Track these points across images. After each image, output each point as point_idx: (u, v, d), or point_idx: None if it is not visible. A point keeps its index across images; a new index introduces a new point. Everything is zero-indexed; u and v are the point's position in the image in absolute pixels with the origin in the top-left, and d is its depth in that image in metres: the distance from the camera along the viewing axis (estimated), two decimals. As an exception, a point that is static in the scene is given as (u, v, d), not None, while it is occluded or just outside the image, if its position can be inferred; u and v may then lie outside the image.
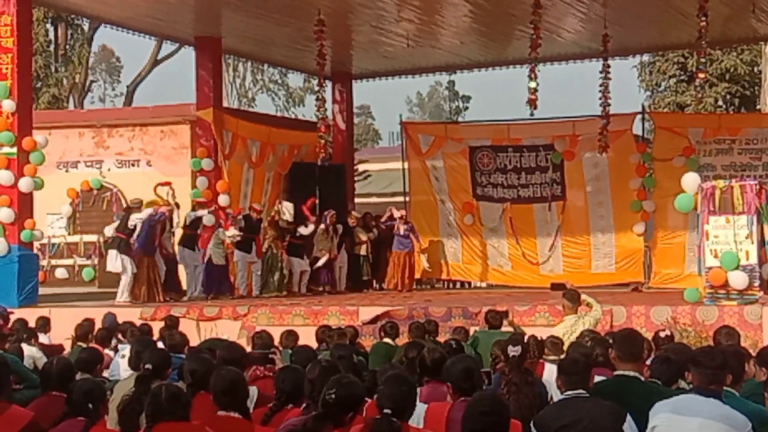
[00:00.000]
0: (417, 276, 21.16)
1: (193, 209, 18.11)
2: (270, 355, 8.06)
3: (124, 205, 17.90)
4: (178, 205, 17.86)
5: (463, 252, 21.80)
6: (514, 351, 6.98)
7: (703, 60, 18.05)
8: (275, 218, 18.72)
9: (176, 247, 17.83)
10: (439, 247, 21.85)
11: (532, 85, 16.80)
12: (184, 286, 17.98)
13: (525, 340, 8.32)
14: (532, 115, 17.31)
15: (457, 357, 6.36)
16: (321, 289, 19.26)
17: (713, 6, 16.45)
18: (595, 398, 5.68)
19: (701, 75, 17.74)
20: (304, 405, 5.89)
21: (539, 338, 8.76)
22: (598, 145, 18.97)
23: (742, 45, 29.41)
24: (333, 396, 5.15)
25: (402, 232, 20.13)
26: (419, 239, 20.63)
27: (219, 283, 17.83)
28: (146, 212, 16.57)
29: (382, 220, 20.71)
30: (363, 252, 20.54)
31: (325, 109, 19.01)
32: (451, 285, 22.81)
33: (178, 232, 18.02)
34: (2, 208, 15.89)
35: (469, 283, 22.64)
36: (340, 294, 19.15)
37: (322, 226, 19.22)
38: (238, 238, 17.81)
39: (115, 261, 16.52)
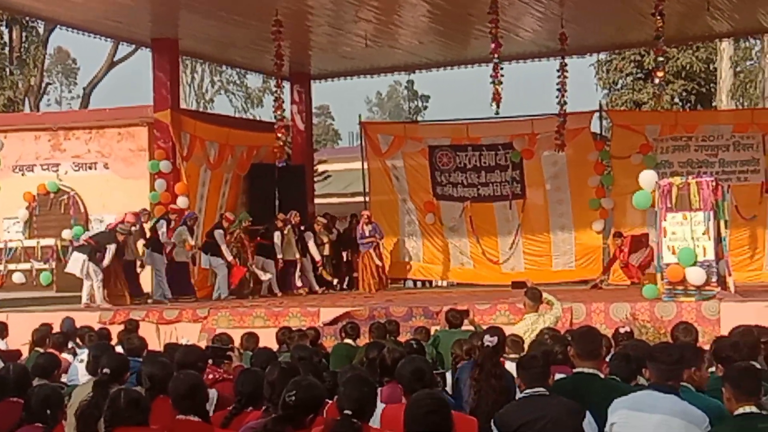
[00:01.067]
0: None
1: (165, 217, 17.98)
2: (228, 352, 8.04)
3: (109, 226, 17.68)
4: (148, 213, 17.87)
5: (425, 251, 21.83)
6: (490, 341, 6.95)
7: (661, 59, 18.01)
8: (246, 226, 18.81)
9: (142, 250, 17.80)
10: (399, 246, 21.88)
11: (498, 86, 16.74)
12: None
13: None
14: (497, 113, 17.30)
15: (408, 358, 6.32)
16: (297, 291, 19.24)
17: (669, 4, 16.56)
18: (555, 396, 5.71)
19: (659, 74, 17.77)
20: (264, 407, 5.87)
21: (500, 337, 8.76)
22: (554, 144, 19.10)
23: (698, 43, 29.68)
24: (293, 398, 5.13)
25: (368, 233, 20.10)
26: (383, 236, 20.57)
27: (179, 284, 17.77)
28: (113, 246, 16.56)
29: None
30: (326, 253, 20.52)
31: (283, 110, 18.90)
32: (413, 284, 22.86)
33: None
34: (-43, 212, 15.72)
35: (431, 282, 22.67)
36: (311, 294, 19.20)
37: (289, 227, 19.17)
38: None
39: (81, 266, 16.41)
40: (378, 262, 20.06)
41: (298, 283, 19.54)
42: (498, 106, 16.77)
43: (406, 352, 7.44)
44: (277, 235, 18.95)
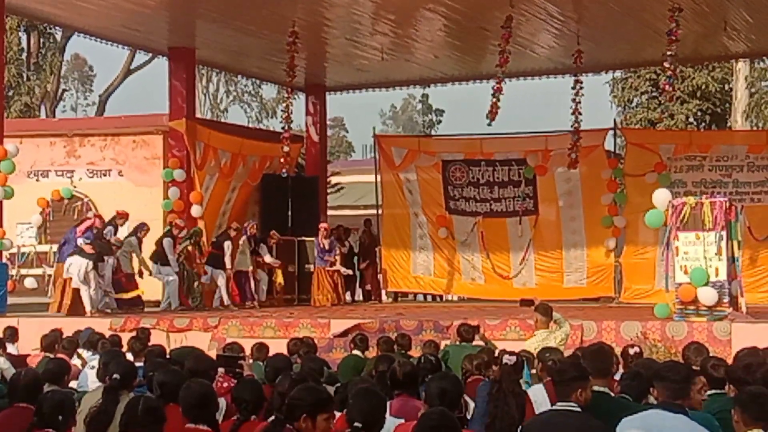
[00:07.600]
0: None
1: (170, 229, 17.95)
2: (239, 360, 8.05)
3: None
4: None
5: (436, 265, 21.79)
6: (508, 359, 6.97)
7: (675, 75, 17.73)
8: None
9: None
10: (410, 259, 21.85)
11: (495, 98, 16.84)
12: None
13: (496, 354, 8.34)
14: (489, 125, 17.34)
15: (438, 374, 6.35)
16: (250, 304, 18.45)
17: (686, 24, 16.56)
18: (585, 414, 5.52)
19: (668, 88, 17.50)
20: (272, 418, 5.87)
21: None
22: (567, 161, 19.13)
23: (713, 62, 29.65)
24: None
25: (326, 247, 19.55)
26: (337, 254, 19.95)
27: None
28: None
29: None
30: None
31: (291, 120, 18.77)
32: (423, 298, 22.85)
33: (151, 248, 17.80)
34: (-29, 216, 15.77)
35: (441, 297, 22.65)
36: (270, 307, 18.53)
37: (244, 237, 18.59)
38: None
39: (83, 271, 16.23)
40: (334, 280, 19.57)
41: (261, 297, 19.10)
42: (493, 119, 16.81)
43: (421, 367, 7.47)
44: (227, 244, 18.24)
